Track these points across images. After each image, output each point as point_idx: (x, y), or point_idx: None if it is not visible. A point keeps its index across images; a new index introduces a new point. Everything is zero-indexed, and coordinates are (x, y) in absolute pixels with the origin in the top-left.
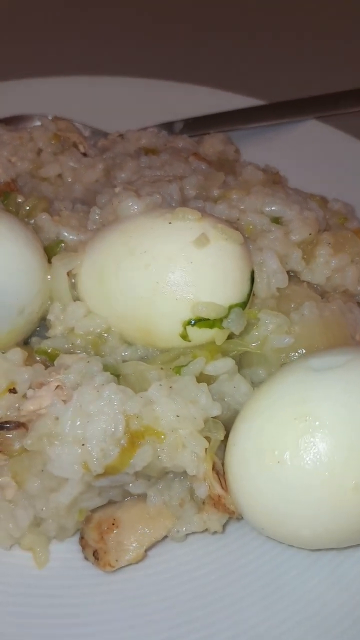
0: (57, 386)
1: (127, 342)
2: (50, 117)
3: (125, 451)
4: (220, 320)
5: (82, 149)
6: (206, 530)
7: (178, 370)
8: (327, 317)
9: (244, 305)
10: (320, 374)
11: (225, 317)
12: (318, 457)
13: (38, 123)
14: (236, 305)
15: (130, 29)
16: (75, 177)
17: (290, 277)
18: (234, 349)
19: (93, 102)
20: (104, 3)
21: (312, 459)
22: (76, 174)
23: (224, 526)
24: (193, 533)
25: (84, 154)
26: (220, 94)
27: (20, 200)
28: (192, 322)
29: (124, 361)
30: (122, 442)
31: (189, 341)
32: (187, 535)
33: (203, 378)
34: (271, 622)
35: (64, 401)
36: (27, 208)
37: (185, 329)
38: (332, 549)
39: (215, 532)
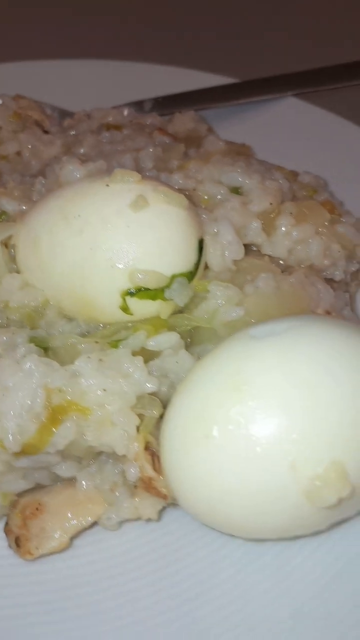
0: None
1: (67, 317)
2: (11, 96)
3: (45, 428)
4: (162, 290)
5: (44, 127)
6: (140, 518)
7: (115, 344)
8: (284, 290)
9: (189, 275)
10: (258, 341)
11: (167, 287)
12: (249, 431)
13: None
14: (180, 275)
15: (102, 11)
16: (34, 154)
17: (251, 250)
18: (181, 324)
19: (62, 84)
20: None
21: (243, 434)
22: (35, 151)
23: (163, 514)
24: (129, 522)
25: (45, 132)
26: (194, 73)
27: None
28: (131, 291)
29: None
30: (41, 418)
31: (131, 314)
32: (121, 523)
33: (146, 354)
34: (208, 620)
35: None
36: None
37: (124, 299)
38: (273, 540)
39: (149, 520)
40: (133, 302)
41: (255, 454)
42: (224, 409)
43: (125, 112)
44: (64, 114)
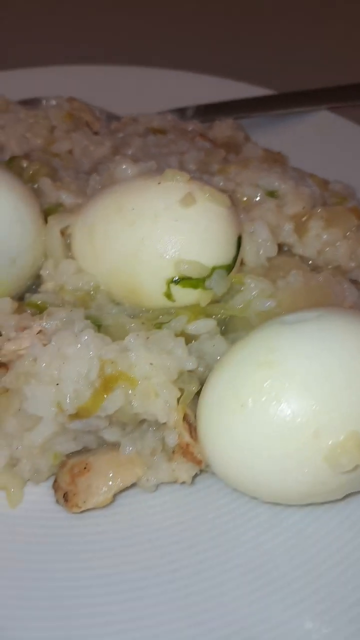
0: (40, 331)
1: (115, 302)
2: (65, 98)
3: (98, 394)
4: (203, 280)
5: (94, 128)
6: (176, 481)
7: (159, 326)
8: (313, 286)
9: (228, 268)
10: (290, 326)
11: (208, 277)
12: (279, 403)
13: (54, 103)
14: (220, 267)
15: (151, 22)
16: (84, 153)
17: (283, 250)
18: (218, 312)
19: (110, 89)
20: None
21: (273, 405)
22: (85, 150)
23: (196, 481)
24: (166, 485)
25: (95, 133)
26: (235, 84)
27: (25, 165)
28: (176, 280)
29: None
30: (96, 385)
31: (173, 301)
32: (158, 486)
33: (185, 337)
34: (231, 578)
35: (44, 344)
36: (30, 172)
37: (169, 287)
38: (296, 506)
39: (184, 483)
40: (176, 290)
41: (283, 422)
42: (258, 382)
43: (169, 118)
44: (111, 117)
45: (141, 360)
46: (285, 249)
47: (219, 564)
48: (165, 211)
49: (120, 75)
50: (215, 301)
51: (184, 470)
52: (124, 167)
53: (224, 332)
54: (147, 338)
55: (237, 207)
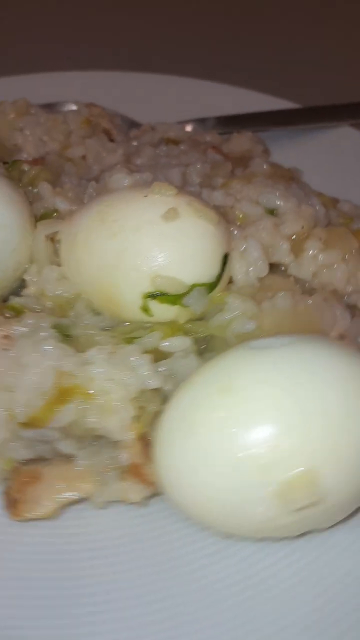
0: (6, 336)
1: (96, 311)
2: (85, 103)
3: (51, 405)
4: (181, 297)
5: (110, 136)
6: (126, 501)
7: (130, 341)
8: (300, 310)
9: (210, 286)
10: (256, 352)
11: (186, 294)
12: (232, 432)
13: (74, 108)
14: (200, 285)
15: (176, 30)
16: (96, 160)
17: (278, 269)
18: (197, 331)
19: (134, 97)
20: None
21: (226, 434)
22: (97, 157)
23: (150, 503)
24: (118, 503)
25: (111, 140)
26: (256, 95)
27: (25, 169)
28: (152, 294)
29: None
30: (49, 396)
31: (151, 315)
32: (108, 503)
33: (159, 354)
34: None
35: (6, 350)
36: (30, 176)
37: (145, 301)
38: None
39: (134, 504)
40: (153, 305)
41: (235, 452)
42: (211, 409)
43: (189, 128)
44: (133, 124)
45: (101, 374)
46: (282, 268)
47: (159, 591)
48: (147, 224)
49: (147, 82)
50: (198, 318)
51: (135, 490)
52: (118, 176)
53: (203, 352)
54: (111, 353)
55: (232, 224)
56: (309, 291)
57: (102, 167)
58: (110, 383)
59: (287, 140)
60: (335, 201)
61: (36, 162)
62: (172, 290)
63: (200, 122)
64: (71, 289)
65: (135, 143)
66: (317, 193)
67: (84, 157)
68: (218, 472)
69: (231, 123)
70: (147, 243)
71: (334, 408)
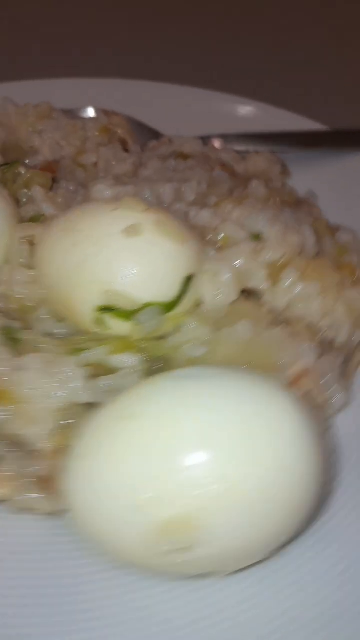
0: None
1: (59, 319)
2: (105, 111)
3: None
4: (132, 314)
5: (126, 145)
6: (37, 510)
7: (76, 352)
8: (256, 341)
9: (166, 306)
10: (173, 381)
11: (137, 312)
12: (124, 459)
13: (94, 115)
14: (154, 304)
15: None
16: (106, 168)
17: (256, 296)
18: (150, 350)
19: (163, 108)
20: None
21: (118, 460)
22: (108, 165)
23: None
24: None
25: (126, 150)
26: (287, 114)
27: (22, 172)
28: (105, 309)
29: (45, 335)
30: None
31: (106, 329)
32: (21, 510)
33: (106, 369)
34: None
35: None
36: (25, 179)
37: (99, 314)
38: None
39: (44, 514)
40: (107, 318)
41: (122, 480)
42: (112, 434)
43: (217, 144)
44: (157, 136)
45: (30, 382)
46: (260, 296)
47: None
48: (106, 238)
49: (179, 94)
50: (159, 338)
51: (47, 501)
52: (100, 187)
53: (159, 370)
54: (48, 362)
55: (211, 245)
56: (284, 322)
57: (112, 177)
58: (35, 392)
59: (311, 162)
60: (334, 230)
61: (49, 164)
62: (123, 306)
63: (223, 137)
64: (34, 294)
65: (148, 154)
66: (315, 219)
67: (95, 165)
68: (106, 497)
69: (254, 141)
70: (104, 256)
71: (224, 454)
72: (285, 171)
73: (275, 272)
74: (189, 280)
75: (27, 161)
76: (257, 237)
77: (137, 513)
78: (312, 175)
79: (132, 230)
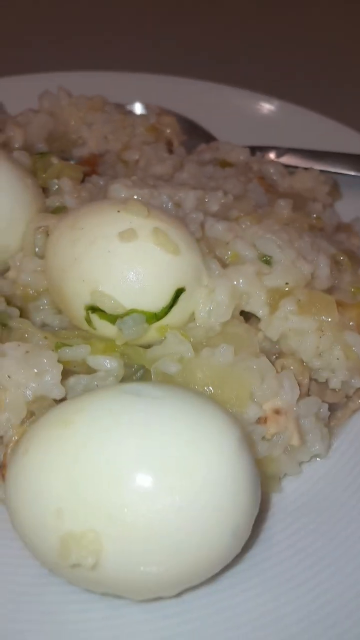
0: None
1: (58, 310)
2: (157, 111)
3: None
4: (116, 318)
5: (172, 146)
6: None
7: (60, 346)
8: (234, 370)
9: (151, 316)
10: (121, 395)
11: (121, 317)
12: (44, 463)
13: (144, 112)
14: (139, 312)
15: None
16: (147, 166)
17: (252, 320)
18: (131, 357)
19: (233, 112)
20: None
21: (38, 465)
22: (149, 163)
23: None
24: None
25: (170, 151)
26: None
27: (54, 162)
28: (92, 308)
29: (43, 324)
30: None
31: (93, 328)
32: None
33: (85, 368)
34: None
35: None
36: (56, 170)
37: (87, 313)
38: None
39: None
40: (96, 318)
41: (39, 486)
42: (45, 435)
43: (253, 153)
44: (210, 139)
45: (4, 368)
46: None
47: None
48: (102, 239)
49: (245, 100)
50: (146, 346)
51: (2, 488)
52: (117, 186)
53: (140, 377)
54: (27, 352)
55: (218, 260)
56: (275, 353)
57: (150, 175)
58: (8, 380)
59: None
60: (357, 264)
61: (93, 157)
62: (107, 308)
63: (276, 149)
64: (38, 284)
65: (192, 158)
66: (338, 252)
67: (137, 162)
68: (27, 500)
69: (308, 157)
70: (96, 256)
71: (146, 478)
72: (333, 192)
73: (275, 299)
74: (179, 292)
75: (72, 152)
76: (266, 260)
77: (50, 520)
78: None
79: (127, 235)
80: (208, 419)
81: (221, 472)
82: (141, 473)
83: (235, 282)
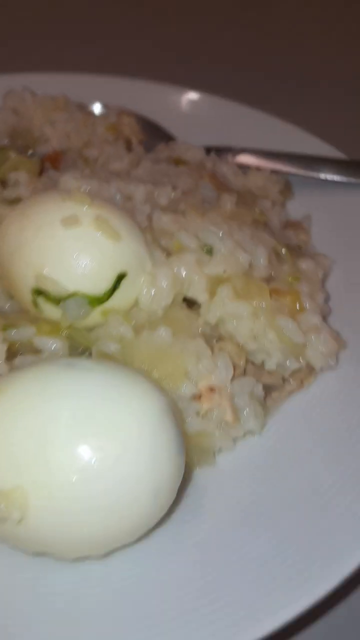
0: None
1: (10, 296)
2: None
3: None
4: (61, 300)
5: (130, 145)
6: None
7: (5, 328)
8: (171, 350)
9: (94, 299)
10: (50, 365)
11: (63, 299)
12: None
13: (104, 112)
14: (81, 295)
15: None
16: (104, 163)
17: (195, 306)
18: (75, 338)
19: (185, 114)
20: None
21: None
22: (106, 161)
23: None
24: None
25: (129, 150)
26: (307, 136)
27: (12, 156)
28: (38, 291)
29: None
30: None
31: (40, 311)
32: None
33: (33, 349)
34: None
35: None
36: (13, 163)
37: (34, 296)
38: None
39: None
40: (41, 301)
41: None
42: None
43: (207, 153)
44: (169, 139)
45: None
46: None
47: None
48: (47, 225)
49: (199, 102)
50: (88, 329)
51: None
52: (66, 178)
53: (86, 357)
54: None
55: (158, 249)
56: (214, 337)
57: (108, 172)
58: None
59: (320, 188)
60: (297, 257)
61: (56, 154)
62: (52, 291)
63: (231, 150)
64: None
65: (149, 156)
66: (279, 243)
67: (97, 160)
68: None
69: (262, 157)
70: (40, 242)
71: (88, 442)
72: (285, 192)
73: (214, 286)
74: (120, 277)
75: (34, 149)
76: (208, 250)
77: None
78: (317, 201)
79: (69, 221)
80: (134, 388)
81: (143, 437)
82: (67, 435)
83: (176, 270)
